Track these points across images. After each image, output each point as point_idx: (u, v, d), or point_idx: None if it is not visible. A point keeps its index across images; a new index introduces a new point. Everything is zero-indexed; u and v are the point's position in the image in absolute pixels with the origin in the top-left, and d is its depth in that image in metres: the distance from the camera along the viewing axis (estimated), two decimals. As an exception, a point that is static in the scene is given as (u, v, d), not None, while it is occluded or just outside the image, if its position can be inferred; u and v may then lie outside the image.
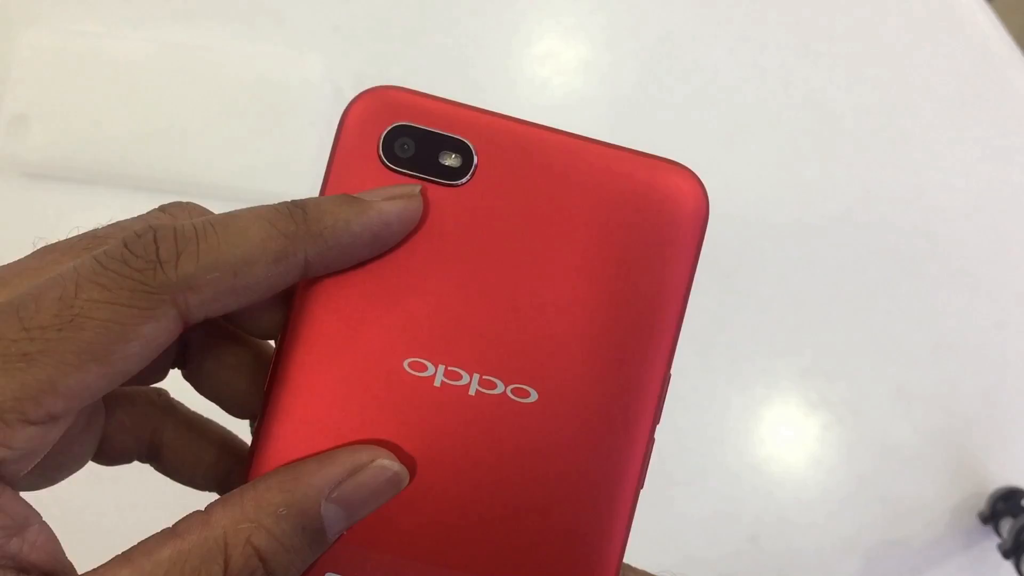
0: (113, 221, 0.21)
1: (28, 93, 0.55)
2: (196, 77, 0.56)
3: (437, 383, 0.20)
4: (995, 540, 0.53)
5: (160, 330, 0.18)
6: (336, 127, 0.21)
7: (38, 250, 0.21)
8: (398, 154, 0.20)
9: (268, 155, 0.55)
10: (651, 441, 0.21)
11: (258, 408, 0.21)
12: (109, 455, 0.23)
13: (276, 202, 0.20)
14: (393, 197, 0.20)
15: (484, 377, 0.20)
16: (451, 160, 0.20)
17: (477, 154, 0.20)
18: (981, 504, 0.55)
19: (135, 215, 0.22)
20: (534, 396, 0.20)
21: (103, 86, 0.56)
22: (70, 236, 0.21)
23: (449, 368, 0.20)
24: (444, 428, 0.20)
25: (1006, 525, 0.52)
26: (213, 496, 0.21)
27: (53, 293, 0.18)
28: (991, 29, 0.63)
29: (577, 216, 0.20)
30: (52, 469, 0.21)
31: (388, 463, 0.20)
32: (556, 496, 0.20)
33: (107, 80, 0.56)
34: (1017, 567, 0.49)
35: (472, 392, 0.20)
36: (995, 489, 0.54)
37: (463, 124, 0.20)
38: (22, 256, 0.21)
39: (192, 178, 0.54)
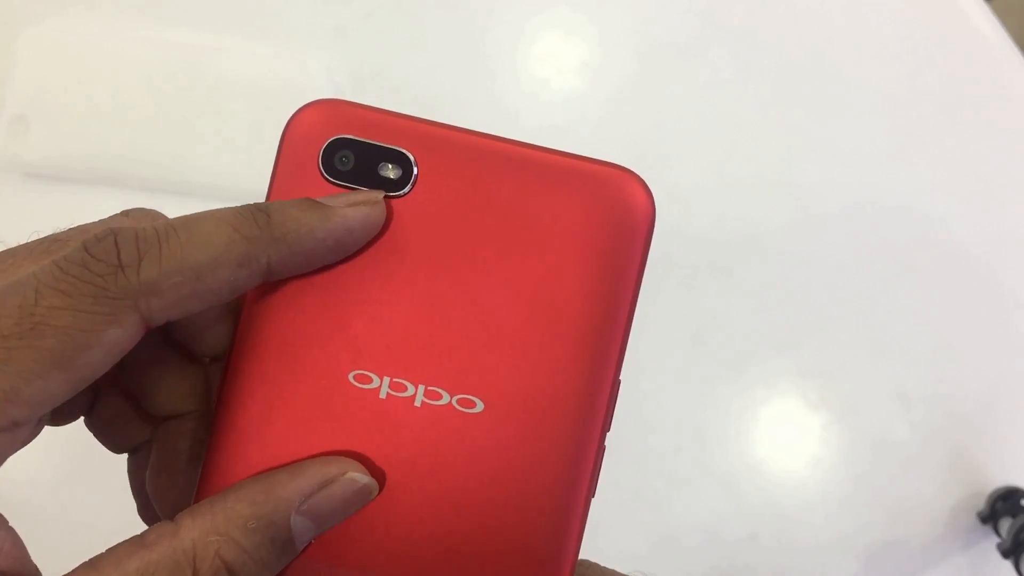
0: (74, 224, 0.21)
1: (28, 93, 0.55)
2: (197, 78, 0.56)
3: (383, 395, 0.20)
4: (994, 540, 0.53)
5: (122, 335, 0.18)
6: (278, 141, 0.21)
7: None
8: (338, 167, 0.20)
9: (268, 156, 0.55)
10: (601, 449, 0.20)
11: (209, 420, 0.21)
12: (58, 417, 0.22)
13: (239, 204, 0.20)
14: (356, 203, 0.20)
15: (429, 388, 0.20)
16: (391, 171, 0.20)
17: (417, 165, 0.20)
18: (980, 504, 0.55)
19: (99, 218, 0.21)
20: (480, 407, 0.20)
21: (103, 87, 0.56)
22: (30, 240, 0.20)
23: (394, 380, 0.20)
24: (391, 440, 0.20)
25: (1005, 525, 0.52)
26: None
27: (14, 300, 0.17)
28: (990, 30, 0.63)
29: (520, 224, 0.20)
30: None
31: (358, 476, 0.20)
32: (505, 506, 0.20)
33: (107, 81, 0.56)
34: (1016, 567, 0.49)
35: (418, 403, 0.20)
36: (994, 489, 0.55)
37: (402, 135, 0.20)
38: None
39: (192, 178, 0.54)
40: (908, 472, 0.56)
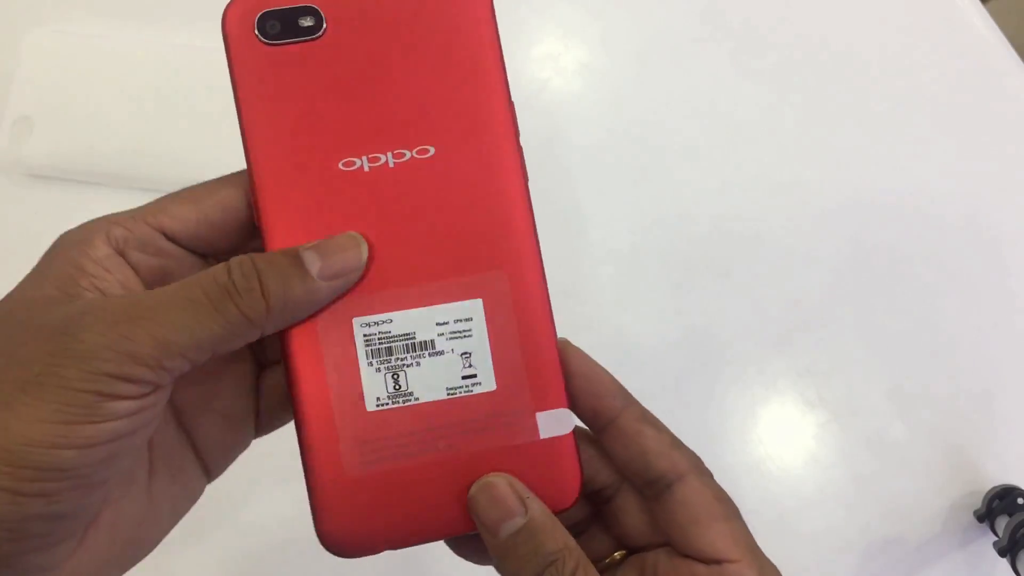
0: None
1: (32, 94, 0.56)
2: (198, 78, 0.56)
3: (367, 169, 0.27)
4: (991, 538, 0.53)
5: None
6: (221, 36, 0.27)
7: None
8: (270, 32, 0.27)
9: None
10: (519, 149, 0.28)
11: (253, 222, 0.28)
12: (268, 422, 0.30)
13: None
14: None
15: (396, 151, 0.28)
16: (307, 21, 0.27)
17: (323, 11, 0.27)
18: (977, 502, 0.55)
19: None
20: (432, 151, 0.28)
21: (106, 87, 0.56)
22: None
23: (370, 156, 0.27)
24: (383, 196, 0.28)
25: (1002, 523, 0.52)
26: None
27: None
28: (987, 31, 0.64)
29: (402, 27, 0.28)
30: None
31: (354, 234, 0.27)
32: (466, 206, 0.28)
33: (110, 81, 0.56)
34: (1013, 565, 0.50)
35: (392, 165, 0.28)
36: (991, 487, 0.55)
37: None
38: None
39: (195, 178, 0.54)
40: (905, 471, 0.56)
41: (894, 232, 0.60)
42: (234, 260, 0.24)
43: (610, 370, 0.29)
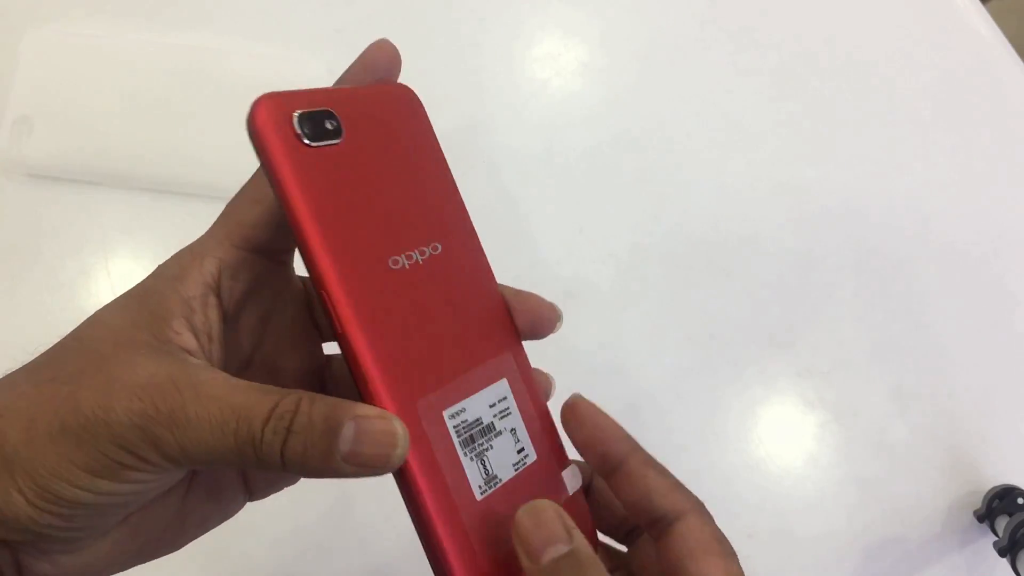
0: None
1: (32, 94, 0.56)
2: (198, 79, 0.56)
3: (407, 266, 0.29)
4: (991, 538, 0.53)
5: None
6: (251, 131, 0.27)
7: None
8: (307, 132, 0.27)
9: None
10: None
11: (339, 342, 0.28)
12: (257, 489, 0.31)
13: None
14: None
15: (420, 249, 0.29)
16: (332, 125, 0.28)
17: (339, 115, 0.28)
18: (977, 502, 0.55)
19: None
20: (440, 248, 0.30)
21: (106, 87, 0.56)
22: None
23: (406, 254, 0.29)
24: (424, 290, 0.29)
25: (1002, 523, 0.52)
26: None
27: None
28: (987, 32, 0.64)
29: (388, 132, 0.30)
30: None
31: (398, 430, 0.25)
32: (475, 295, 0.30)
33: (110, 81, 0.56)
34: (1013, 565, 0.50)
35: (420, 262, 0.29)
36: (991, 487, 0.55)
37: (328, 101, 0.28)
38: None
39: (195, 178, 0.55)
40: (905, 471, 0.56)
41: (894, 232, 0.60)
42: (280, 407, 0.24)
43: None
